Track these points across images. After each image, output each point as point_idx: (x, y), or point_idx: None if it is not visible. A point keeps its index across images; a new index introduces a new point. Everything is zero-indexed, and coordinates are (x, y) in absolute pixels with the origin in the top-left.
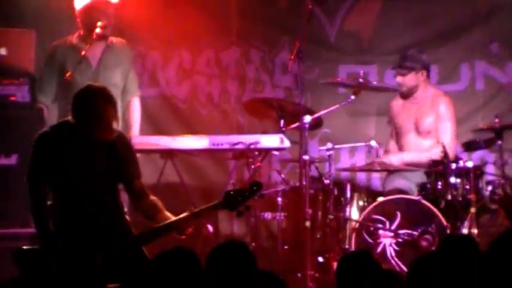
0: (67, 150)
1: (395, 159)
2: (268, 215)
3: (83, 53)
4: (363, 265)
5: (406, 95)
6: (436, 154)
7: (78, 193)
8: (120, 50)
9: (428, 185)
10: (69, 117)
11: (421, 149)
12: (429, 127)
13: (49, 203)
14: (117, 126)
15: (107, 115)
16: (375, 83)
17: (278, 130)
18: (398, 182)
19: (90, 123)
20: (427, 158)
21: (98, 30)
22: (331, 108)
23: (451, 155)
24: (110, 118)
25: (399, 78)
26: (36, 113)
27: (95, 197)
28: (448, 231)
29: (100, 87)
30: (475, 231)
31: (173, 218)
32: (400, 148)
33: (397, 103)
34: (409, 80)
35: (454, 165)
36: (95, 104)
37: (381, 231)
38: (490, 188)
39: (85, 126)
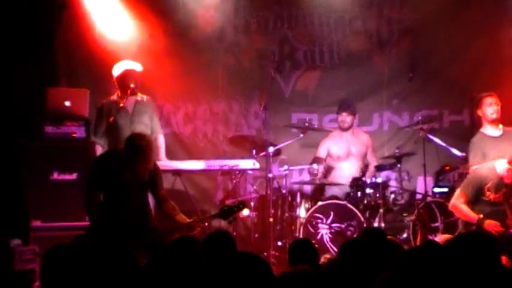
0: (114, 167)
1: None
2: (244, 214)
3: (121, 105)
4: (306, 248)
5: (346, 129)
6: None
7: (121, 198)
8: (146, 102)
9: (352, 194)
10: (118, 148)
11: (354, 167)
12: (359, 153)
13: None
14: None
15: (148, 154)
16: (315, 126)
17: (251, 157)
18: (334, 190)
19: (136, 159)
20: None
21: (130, 90)
22: (287, 143)
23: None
24: (149, 155)
25: (347, 118)
26: (89, 145)
27: (133, 202)
28: (365, 225)
29: (142, 135)
30: (382, 224)
31: (187, 221)
32: (332, 168)
33: (331, 140)
34: (352, 119)
35: (368, 181)
36: (139, 147)
37: (320, 225)
38: (392, 196)
39: (131, 159)
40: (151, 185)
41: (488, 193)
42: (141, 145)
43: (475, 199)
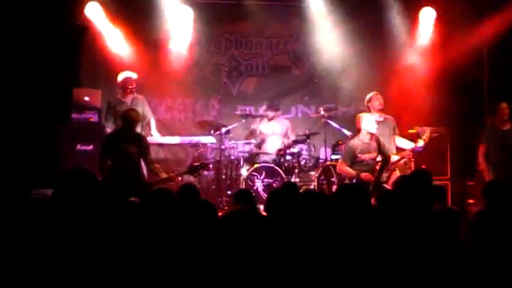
0: (117, 141)
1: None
2: (205, 173)
3: (122, 100)
4: (247, 195)
5: (271, 119)
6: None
7: (122, 161)
8: (139, 98)
9: (277, 159)
10: (119, 127)
11: (278, 142)
12: (281, 132)
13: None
14: (142, 129)
15: (138, 120)
16: (253, 113)
17: (210, 135)
18: (265, 157)
19: (131, 125)
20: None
21: (128, 91)
22: (234, 125)
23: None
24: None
25: (273, 113)
26: (101, 127)
27: (130, 164)
28: (285, 180)
29: (134, 110)
30: (297, 180)
31: (167, 176)
32: (264, 141)
33: (264, 124)
34: (274, 113)
35: (288, 151)
36: (134, 117)
37: (256, 180)
38: (304, 161)
39: (128, 127)
40: (142, 151)
41: (359, 155)
42: (129, 114)
43: (352, 162)
